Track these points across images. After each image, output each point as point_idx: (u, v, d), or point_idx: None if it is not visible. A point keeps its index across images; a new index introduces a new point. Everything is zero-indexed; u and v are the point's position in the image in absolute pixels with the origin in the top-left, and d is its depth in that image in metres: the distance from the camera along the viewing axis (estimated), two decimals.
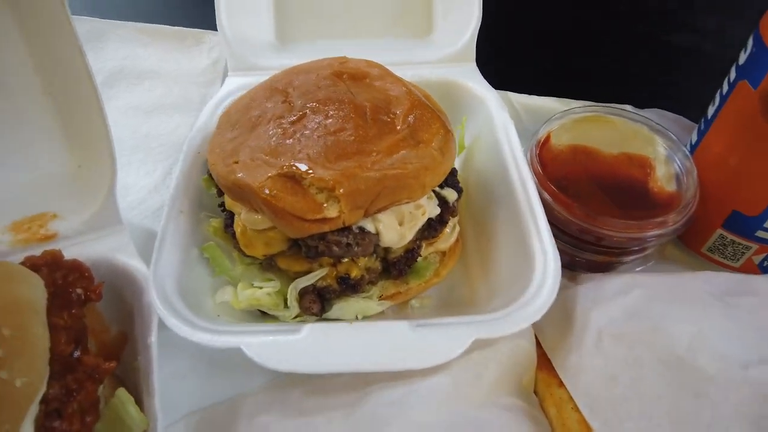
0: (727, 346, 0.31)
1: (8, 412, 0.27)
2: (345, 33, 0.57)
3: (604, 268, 0.45)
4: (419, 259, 0.42)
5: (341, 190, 0.34)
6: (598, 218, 0.40)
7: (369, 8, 0.57)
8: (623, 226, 0.39)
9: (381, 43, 0.56)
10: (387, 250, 0.41)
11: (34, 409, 0.28)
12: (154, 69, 0.56)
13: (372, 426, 0.31)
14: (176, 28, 0.60)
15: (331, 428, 0.32)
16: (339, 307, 0.40)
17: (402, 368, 0.33)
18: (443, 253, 0.44)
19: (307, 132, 0.37)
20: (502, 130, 0.46)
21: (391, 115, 0.39)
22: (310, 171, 0.35)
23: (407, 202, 0.38)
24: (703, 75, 0.51)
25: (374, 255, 0.40)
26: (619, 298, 0.36)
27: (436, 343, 0.33)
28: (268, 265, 0.41)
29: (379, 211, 0.37)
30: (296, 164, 0.35)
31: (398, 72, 0.49)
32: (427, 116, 0.40)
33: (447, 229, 0.44)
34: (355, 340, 0.34)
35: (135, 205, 0.48)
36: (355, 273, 0.40)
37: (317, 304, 0.39)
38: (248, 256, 0.41)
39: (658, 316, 0.33)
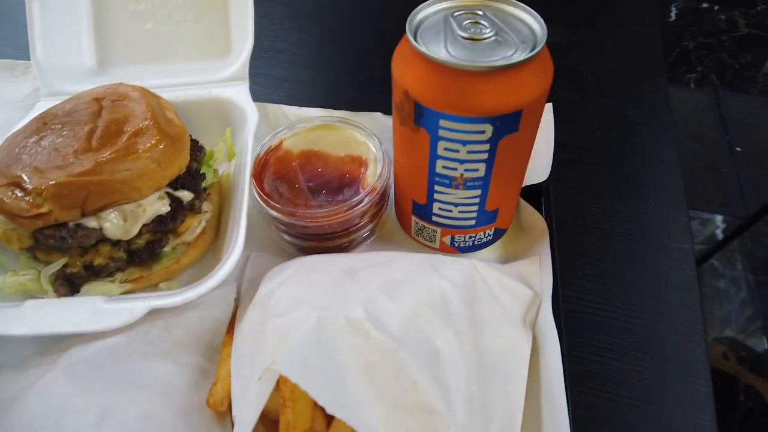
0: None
1: None
2: (156, 57, 0.66)
3: (329, 250, 0.52)
4: (167, 248, 0.52)
5: (46, 193, 0.43)
6: (297, 211, 0.48)
7: (178, 34, 0.66)
8: (310, 216, 0.48)
9: (186, 65, 0.65)
10: (130, 242, 0.50)
11: None
12: None
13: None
14: (7, 61, 0.71)
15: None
16: (86, 290, 0.49)
17: (90, 330, 0.42)
18: (189, 244, 0.53)
19: (39, 149, 0.47)
20: (250, 139, 0.55)
21: (121, 133, 0.48)
22: (28, 179, 0.44)
23: (127, 203, 0.47)
24: None
25: (118, 246, 0.50)
26: (277, 276, 0.44)
27: (119, 311, 0.42)
28: (34, 256, 0.51)
29: (98, 210, 0.46)
30: (21, 174, 0.45)
31: (181, 92, 0.59)
32: (151, 133, 0.49)
33: (195, 223, 0.53)
34: (59, 309, 0.43)
35: None
36: (98, 261, 0.49)
37: (64, 287, 0.49)
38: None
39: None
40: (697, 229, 1.80)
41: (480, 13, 0.41)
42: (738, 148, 1.95)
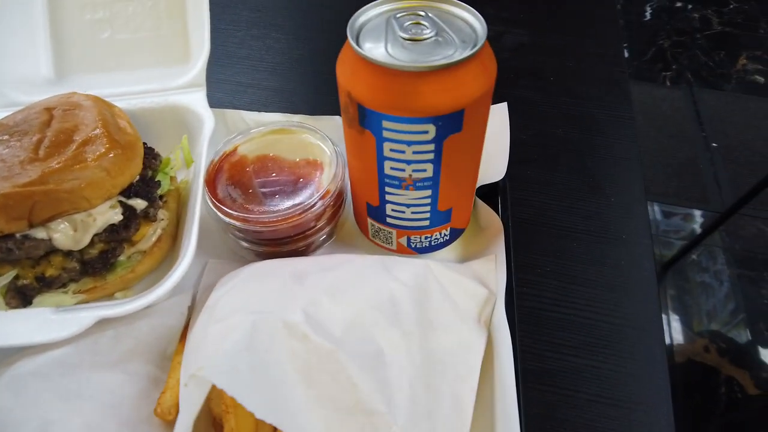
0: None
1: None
2: (114, 66, 0.65)
3: (287, 254, 0.52)
4: (122, 257, 0.51)
5: None
6: (250, 217, 0.48)
7: (136, 43, 0.65)
8: (262, 221, 0.48)
9: (144, 73, 0.65)
10: (83, 251, 0.49)
11: None
12: None
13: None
14: None
15: None
16: (38, 301, 0.48)
17: (36, 342, 0.42)
18: (144, 253, 0.52)
19: None
20: (205, 145, 0.55)
21: (69, 142, 0.48)
22: None
23: (76, 212, 0.47)
24: None
25: (70, 256, 0.49)
26: (229, 282, 0.44)
27: (67, 322, 0.42)
28: None
29: (47, 221, 0.46)
30: None
31: (138, 99, 0.59)
32: (100, 141, 0.48)
33: (151, 231, 0.53)
34: (5, 321, 0.43)
35: None
36: (50, 272, 0.48)
37: (16, 299, 0.48)
38: None
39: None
40: (679, 224, 1.82)
41: (422, 13, 0.41)
42: (714, 144, 1.98)
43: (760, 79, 2.20)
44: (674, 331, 1.59)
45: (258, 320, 0.32)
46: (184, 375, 0.36)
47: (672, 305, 1.64)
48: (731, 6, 2.50)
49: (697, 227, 1.80)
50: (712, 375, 1.46)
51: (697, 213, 1.83)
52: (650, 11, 2.51)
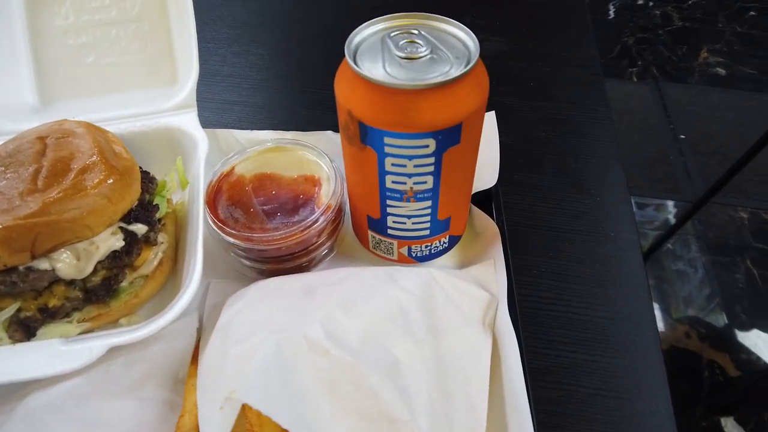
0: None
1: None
2: (101, 90, 0.65)
3: (289, 271, 0.53)
4: (125, 283, 0.51)
5: None
6: (253, 236, 0.49)
7: (122, 66, 0.65)
8: (266, 240, 0.48)
9: (132, 97, 0.64)
10: (85, 280, 0.49)
11: None
12: None
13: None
14: None
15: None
16: (42, 333, 0.48)
17: (49, 374, 0.41)
18: (146, 277, 0.52)
19: None
20: (201, 166, 0.55)
21: (67, 171, 0.48)
22: None
23: (79, 241, 0.47)
24: None
25: (73, 285, 0.49)
26: (237, 302, 0.44)
27: (78, 352, 0.42)
28: None
29: (49, 251, 0.45)
30: None
31: (129, 123, 0.59)
32: (98, 168, 0.48)
33: (152, 255, 0.53)
34: (14, 356, 0.42)
35: None
36: (53, 302, 0.48)
37: (19, 332, 0.48)
38: None
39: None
40: (652, 215, 1.88)
41: (415, 32, 0.43)
42: (682, 136, 2.05)
43: (722, 71, 2.29)
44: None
45: (281, 339, 0.33)
46: (208, 397, 0.36)
47: (651, 294, 1.69)
48: (690, 2, 2.60)
49: (670, 217, 1.86)
50: (695, 360, 1.51)
51: (670, 203, 1.89)
52: (614, 9, 2.58)
